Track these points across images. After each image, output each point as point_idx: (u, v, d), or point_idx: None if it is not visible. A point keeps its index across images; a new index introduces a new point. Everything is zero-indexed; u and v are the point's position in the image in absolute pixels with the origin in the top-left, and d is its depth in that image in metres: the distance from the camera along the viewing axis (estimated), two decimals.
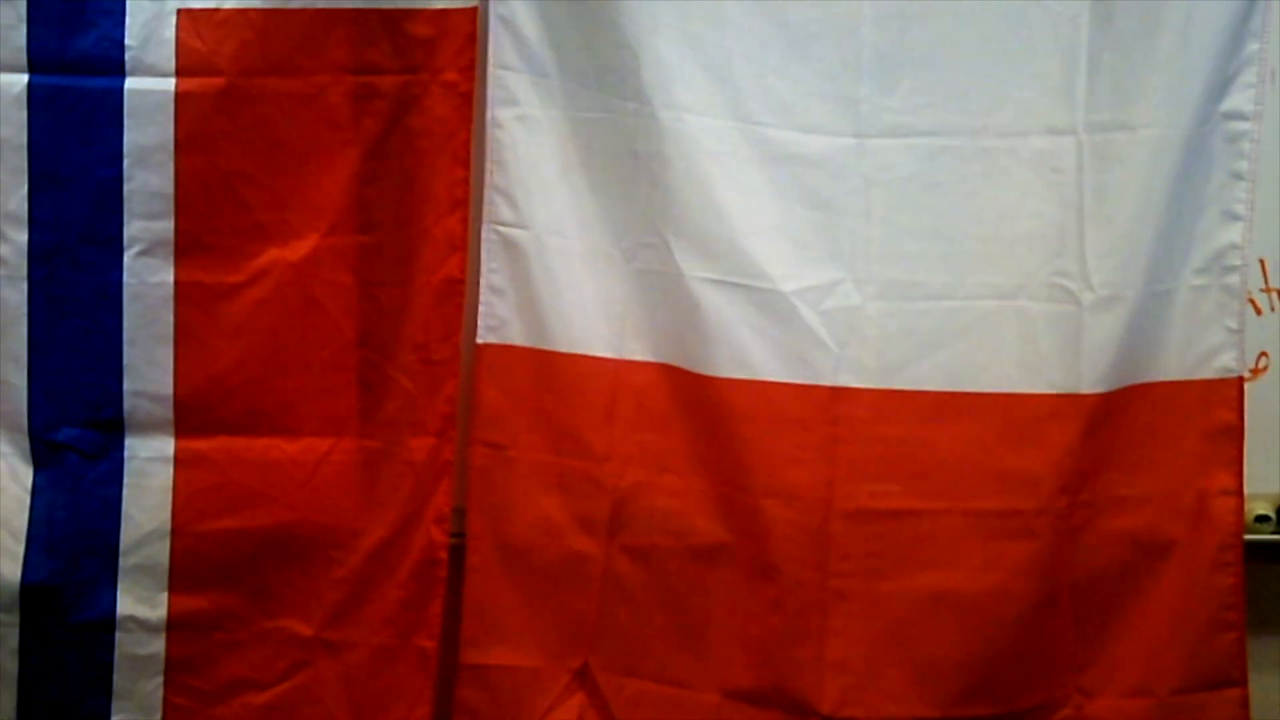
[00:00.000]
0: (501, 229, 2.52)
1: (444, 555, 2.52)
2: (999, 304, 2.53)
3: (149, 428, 2.48)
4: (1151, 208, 2.55)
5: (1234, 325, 2.58)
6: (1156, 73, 2.54)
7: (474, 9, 2.48)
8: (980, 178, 2.54)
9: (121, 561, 2.48)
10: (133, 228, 2.44)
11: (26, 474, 2.47)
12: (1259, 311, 2.65)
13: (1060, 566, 2.52)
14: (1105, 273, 2.53)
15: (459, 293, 2.51)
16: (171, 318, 2.46)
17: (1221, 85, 2.56)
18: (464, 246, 2.51)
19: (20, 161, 2.42)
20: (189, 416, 2.48)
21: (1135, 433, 2.56)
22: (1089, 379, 2.52)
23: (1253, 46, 2.56)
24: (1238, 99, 2.56)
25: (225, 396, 2.49)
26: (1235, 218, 2.57)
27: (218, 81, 2.42)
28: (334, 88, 2.46)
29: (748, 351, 2.51)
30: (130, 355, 2.47)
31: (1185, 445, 2.57)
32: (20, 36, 2.40)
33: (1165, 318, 2.58)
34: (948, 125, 2.53)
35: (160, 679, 2.51)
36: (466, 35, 2.49)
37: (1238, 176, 2.57)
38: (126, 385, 2.47)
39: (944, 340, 2.53)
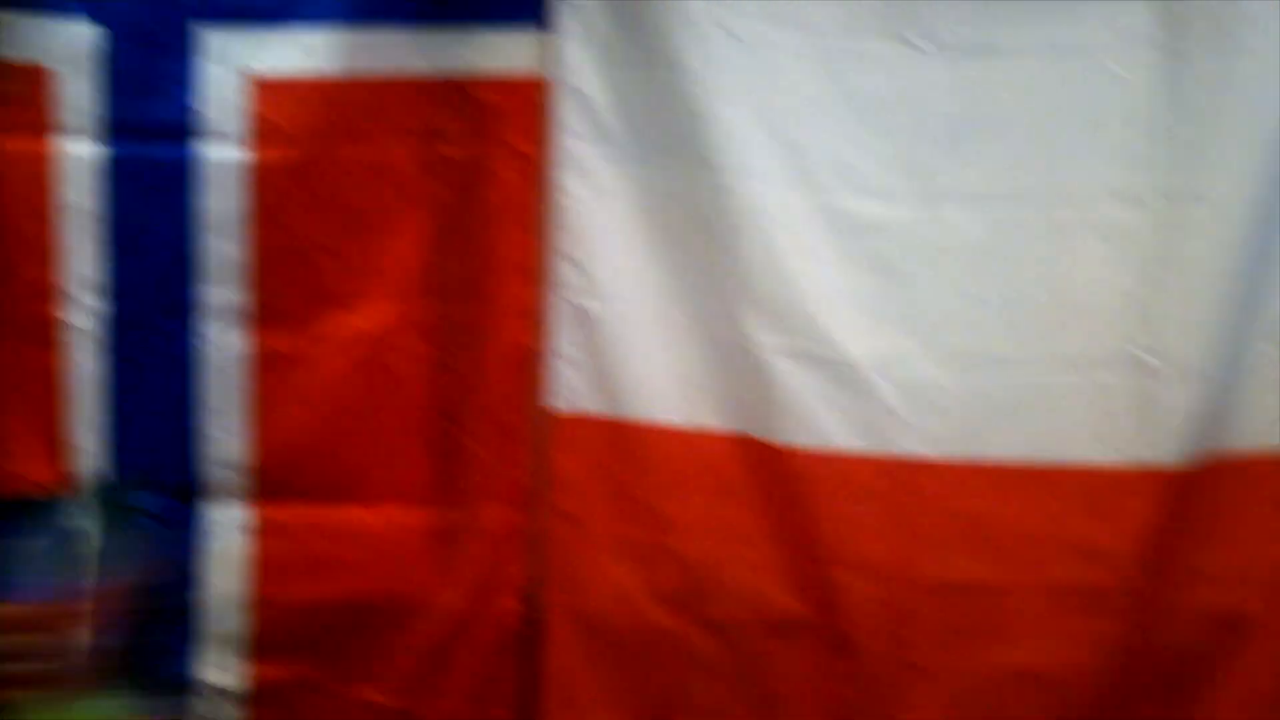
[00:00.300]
0: (573, 298, 2.52)
1: (519, 626, 2.50)
2: (1073, 374, 2.51)
3: (225, 494, 2.49)
4: (1224, 276, 2.53)
5: None
6: (1227, 140, 2.53)
7: (545, 79, 2.48)
8: (1051, 246, 2.52)
9: (199, 630, 2.48)
10: (207, 294, 2.45)
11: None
12: None
13: (1138, 643, 2.49)
14: (1180, 343, 2.51)
15: (532, 361, 2.50)
16: (246, 384, 2.47)
17: None
18: (536, 315, 2.51)
19: (95, 229, 2.43)
20: (265, 484, 2.48)
21: (1213, 505, 2.53)
22: (1165, 451, 2.49)
23: None
24: None
25: (300, 464, 2.49)
26: None
27: (291, 149, 2.43)
28: (406, 155, 2.47)
29: (820, 422, 2.49)
30: (205, 422, 2.47)
31: (1264, 517, 2.54)
32: (96, 105, 2.41)
33: (1241, 387, 2.55)
34: (1018, 192, 2.52)
35: None
36: (537, 104, 2.49)
37: None
38: (202, 452, 2.47)
39: (1018, 410, 2.51)
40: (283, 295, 2.46)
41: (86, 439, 2.46)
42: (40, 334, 2.43)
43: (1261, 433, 2.54)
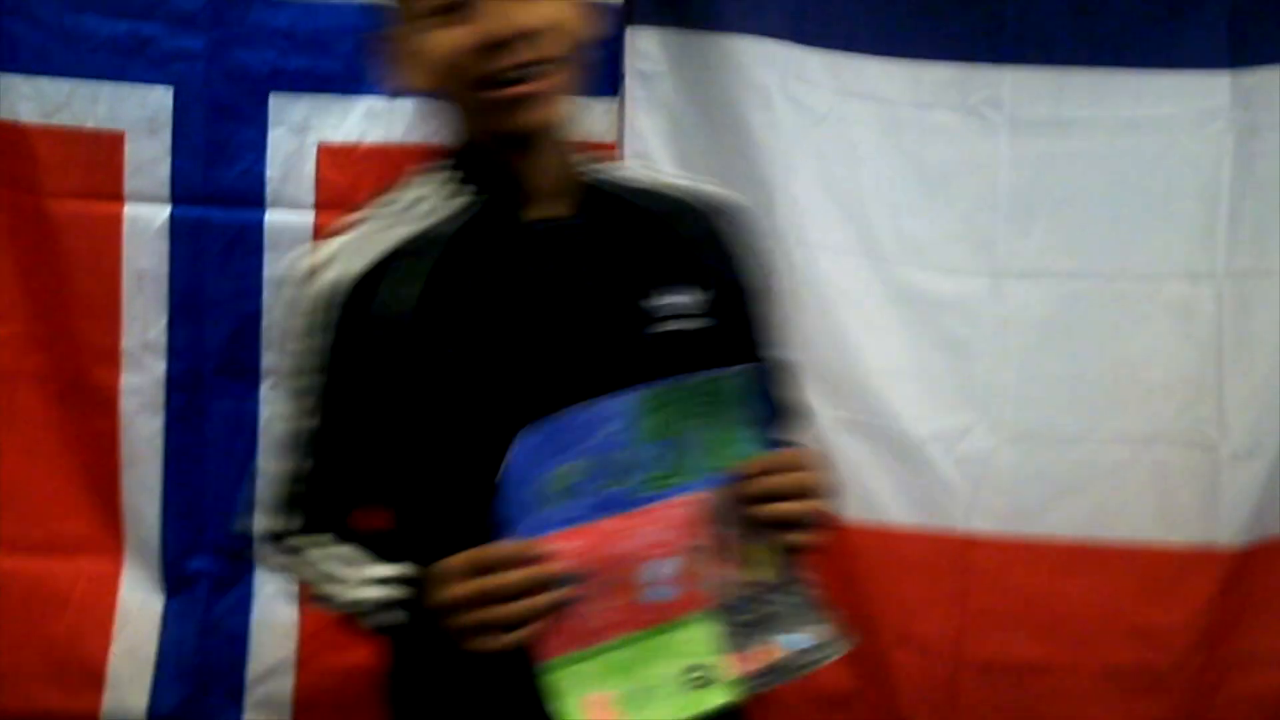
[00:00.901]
0: None
1: None
2: (1134, 451, 2.50)
3: None
4: None
5: None
6: None
7: (613, 145, 2.48)
8: (1116, 322, 2.51)
9: (248, 693, 2.49)
10: (270, 359, 2.46)
11: (157, 603, 2.48)
12: None
13: None
14: (1245, 422, 2.49)
15: None
16: None
17: None
18: None
19: (161, 292, 2.44)
20: None
21: (1272, 589, 2.51)
22: (1226, 532, 2.48)
23: None
24: None
25: None
26: None
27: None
28: None
29: (878, 495, 2.49)
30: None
31: None
32: (164, 169, 2.42)
33: None
34: (1083, 268, 2.51)
35: None
36: None
37: None
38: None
39: (1077, 487, 2.50)
40: None
41: (143, 500, 2.47)
42: (101, 398, 2.44)
43: None
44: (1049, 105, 2.51)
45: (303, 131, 2.43)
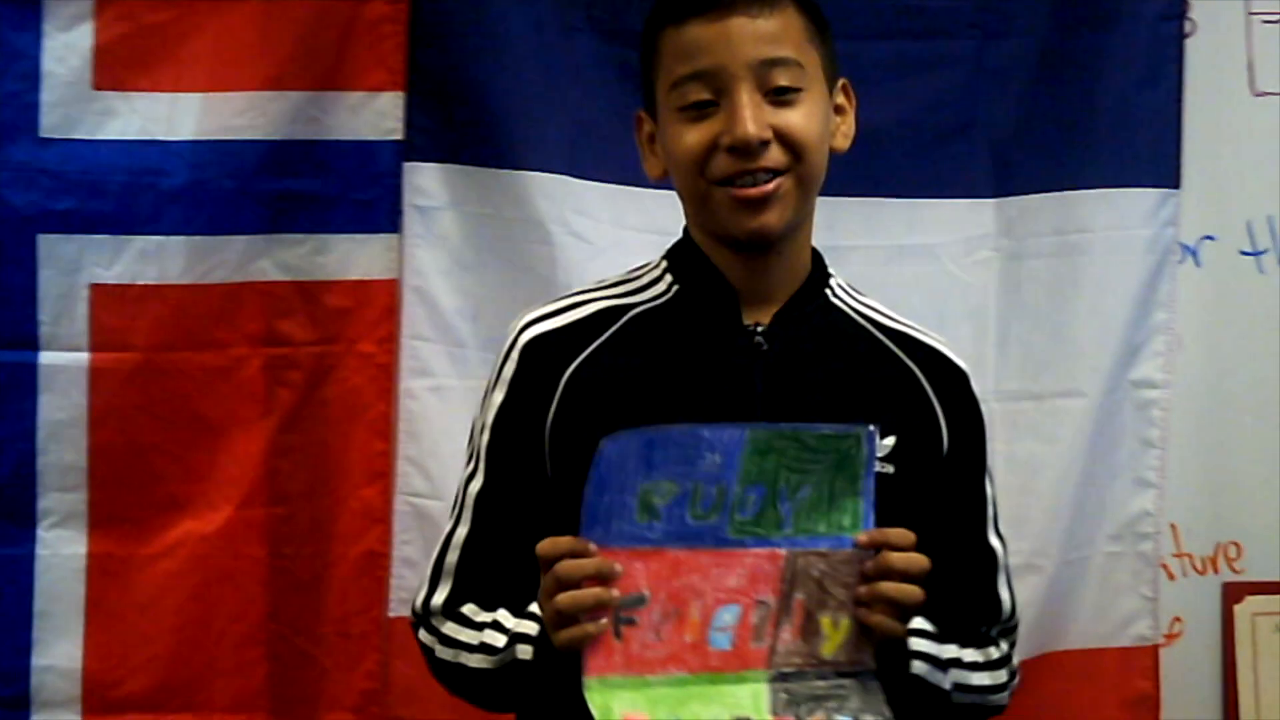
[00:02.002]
0: (414, 500, 2.50)
1: None
2: None
3: (56, 705, 2.41)
4: (1064, 476, 2.58)
5: (1149, 593, 2.60)
6: (1065, 342, 2.59)
7: (393, 281, 2.49)
8: None
9: None
10: (46, 500, 2.41)
11: None
12: (1171, 577, 2.66)
13: None
14: (1016, 540, 2.52)
15: (380, 565, 2.49)
16: (83, 590, 2.42)
17: (1130, 353, 2.61)
18: (385, 519, 2.49)
19: None
20: (97, 693, 2.41)
21: (1053, 702, 2.56)
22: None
23: (1160, 315, 2.62)
24: (1147, 367, 2.61)
25: (135, 672, 2.43)
26: (1148, 485, 2.61)
27: (132, 356, 2.41)
28: (249, 360, 2.46)
29: None
30: (40, 629, 2.42)
31: (1103, 715, 2.57)
32: None
33: (1081, 586, 2.60)
34: None
35: None
36: (384, 307, 2.50)
37: (1148, 444, 2.61)
38: (35, 661, 2.41)
39: None
40: (122, 500, 2.42)
41: None
42: None
43: (1103, 630, 2.60)
44: (823, 234, 2.51)
45: (73, 272, 2.39)
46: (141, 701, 2.44)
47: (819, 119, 1.55)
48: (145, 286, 2.42)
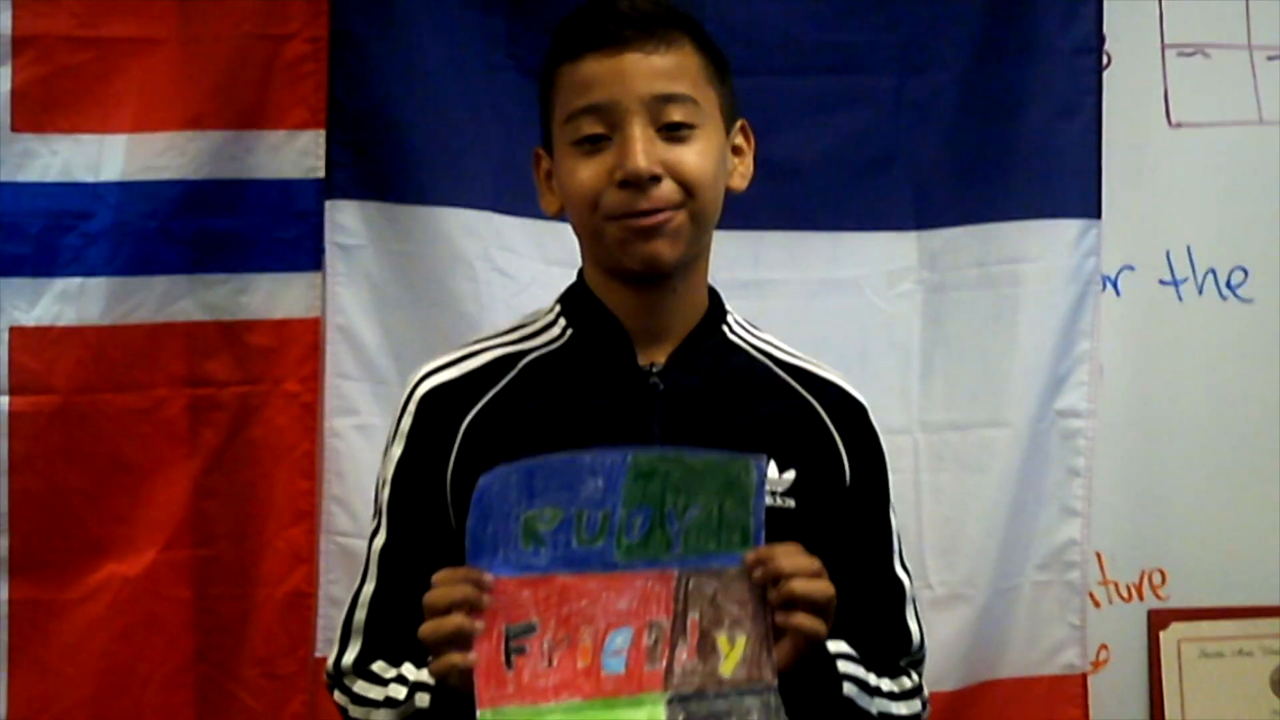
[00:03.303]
0: (340, 539, 2.49)
1: None
2: None
3: None
4: (992, 506, 2.59)
5: (1076, 621, 2.61)
6: (990, 373, 2.61)
7: (316, 319, 2.49)
8: None
9: None
10: None
11: None
12: (1097, 604, 2.68)
13: None
14: (944, 571, 2.56)
15: (306, 605, 2.48)
16: (5, 637, 2.39)
17: (1055, 383, 2.62)
18: (311, 558, 2.48)
19: None
20: None
21: None
22: (935, 677, 2.51)
23: (1084, 345, 2.64)
24: (1071, 396, 2.63)
25: (60, 718, 2.40)
26: (1074, 513, 2.63)
27: (52, 399, 2.39)
28: (172, 401, 2.45)
29: None
30: None
31: None
32: None
33: (1010, 615, 2.61)
34: None
35: None
36: (308, 345, 2.49)
37: (1074, 473, 2.63)
38: None
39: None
40: (43, 545, 2.40)
41: None
42: None
43: (1032, 659, 2.60)
44: (747, 268, 2.56)
45: None
46: None
47: (713, 157, 1.55)
48: (65, 329, 2.40)
